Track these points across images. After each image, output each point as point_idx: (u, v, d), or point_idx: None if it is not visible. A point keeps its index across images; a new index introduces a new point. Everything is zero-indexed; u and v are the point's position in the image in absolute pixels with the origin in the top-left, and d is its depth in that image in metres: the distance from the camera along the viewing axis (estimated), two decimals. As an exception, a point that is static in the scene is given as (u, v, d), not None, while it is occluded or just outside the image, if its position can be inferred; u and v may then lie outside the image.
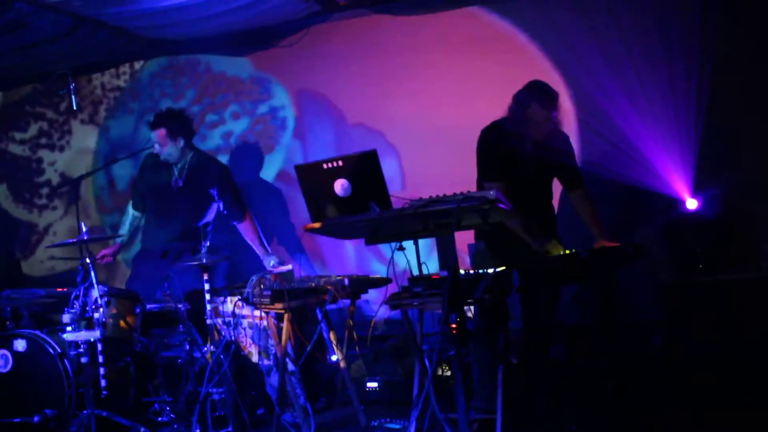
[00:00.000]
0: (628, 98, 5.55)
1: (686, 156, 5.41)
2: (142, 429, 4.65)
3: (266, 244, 5.74)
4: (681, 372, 4.86)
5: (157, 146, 5.72)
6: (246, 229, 5.67)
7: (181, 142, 5.67)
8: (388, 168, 6.35)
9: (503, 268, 4.02)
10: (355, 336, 4.84)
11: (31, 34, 6.02)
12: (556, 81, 5.41)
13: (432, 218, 3.64)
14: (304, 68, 6.81)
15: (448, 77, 6.28)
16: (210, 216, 4.95)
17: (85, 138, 7.77)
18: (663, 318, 5.29)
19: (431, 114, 6.31)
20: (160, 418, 5.01)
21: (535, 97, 4.38)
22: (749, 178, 5.39)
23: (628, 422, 3.99)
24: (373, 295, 5.21)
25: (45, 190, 7.96)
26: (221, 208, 4.91)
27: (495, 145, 4.49)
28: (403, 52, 6.44)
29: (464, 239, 4.66)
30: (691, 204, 5.29)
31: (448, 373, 5.08)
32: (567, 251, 4.05)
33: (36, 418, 4.57)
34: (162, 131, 5.64)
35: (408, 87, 6.42)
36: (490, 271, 3.95)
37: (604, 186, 5.45)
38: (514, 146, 4.42)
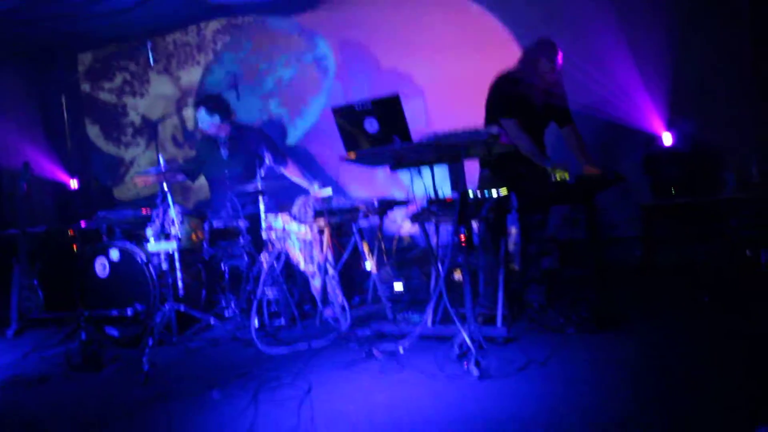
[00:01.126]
0: (610, 48, 5.52)
1: (661, 97, 5.39)
2: (212, 320, 4.84)
3: (308, 176, 5.85)
4: (656, 277, 4.99)
5: (200, 123, 5.91)
6: (291, 171, 5.79)
7: (217, 118, 5.80)
8: (415, 107, 6.45)
9: (504, 191, 4.13)
10: (383, 246, 5.01)
11: (114, 3, 6.08)
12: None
13: (445, 149, 3.78)
14: (343, 22, 6.79)
15: (467, 28, 6.26)
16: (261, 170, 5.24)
17: (160, 86, 7.86)
18: (641, 235, 5.38)
19: (451, 60, 6.30)
20: (226, 313, 5.20)
21: (544, 52, 4.41)
22: (715, 116, 5.37)
23: (608, 318, 4.07)
24: (398, 215, 5.33)
25: (129, 130, 8.09)
26: (270, 162, 5.13)
27: (509, 90, 4.51)
28: (428, 6, 6.41)
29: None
30: (667, 139, 5.30)
31: (461, 279, 5.21)
32: (558, 178, 4.10)
33: (129, 311, 4.73)
34: (201, 109, 5.82)
35: (432, 36, 6.39)
36: (494, 194, 4.05)
37: (592, 123, 5.45)
38: (524, 93, 4.46)
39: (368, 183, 6.66)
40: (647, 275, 5.12)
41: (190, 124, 7.67)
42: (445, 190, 4.13)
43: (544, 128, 4.66)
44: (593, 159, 4.45)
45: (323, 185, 5.31)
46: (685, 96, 5.41)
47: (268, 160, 5.30)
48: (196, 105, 5.92)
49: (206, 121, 5.81)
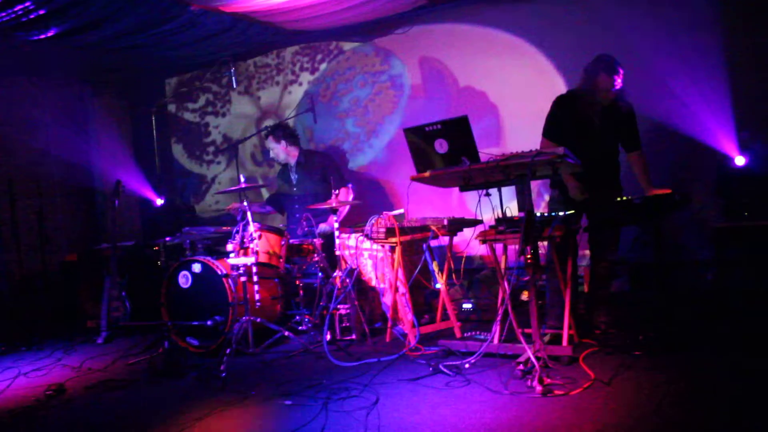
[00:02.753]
0: (673, 71, 5.47)
1: (731, 119, 5.29)
2: (287, 333, 4.99)
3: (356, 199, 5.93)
4: (728, 302, 4.88)
5: (270, 153, 6.25)
6: (343, 195, 5.83)
7: (284, 144, 6.12)
8: (490, 124, 6.51)
9: (572, 211, 4.16)
10: (452, 265, 5.08)
11: (200, 31, 6.37)
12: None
13: (512, 170, 3.85)
14: (418, 43, 6.89)
15: (539, 51, 6.29)
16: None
17: (241, 105, 8.11)
18: (713, 258, 5.27)
19: (523, 79, 6.36)
20: (300, 327, 5.39)
21: (602, 68, 4.33)
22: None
23: (676, 342, 4.03)
24: (467, 234, 5.38)
25: (211, 148, 8.38)
26: (332, 185, 5.35)
27: (563, 110, 4.51)
28: (500, 27, 6.46)
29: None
30: (740, 160, 5.20)
31: (528, 299, 5.22)
32: (624, 198, 4.10)
33: (209, 322, 4.96)
34: (269, 139, 6.17)
35: (506, 57, 6.45)
36: (561, 213, 4.08)
37: (664, 144, 5.43)
38: (584, 110, 4.44)
39: (440, 202, 6.74)
40: (719, 299, 5.01)
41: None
42: (513, 210, 4.20)
43: (608, 148, 4.55)
44: (658, 185, 4.39)
45: (395, 204, 5.43)
46: (755, 118, 5.31)
47: (332, 183, 5.52)
48: (265, 136, 6.26)
49: (275, 149, 6.15)
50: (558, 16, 6.12)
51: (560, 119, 4.53)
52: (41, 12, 5.30)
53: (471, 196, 6.34)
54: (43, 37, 5.80)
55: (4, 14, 5.25)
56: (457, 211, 6.54)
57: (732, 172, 5.22)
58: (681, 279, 5.45)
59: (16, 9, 5.18)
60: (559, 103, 4.58)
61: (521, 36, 6.38)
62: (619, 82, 4.34)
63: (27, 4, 5.13)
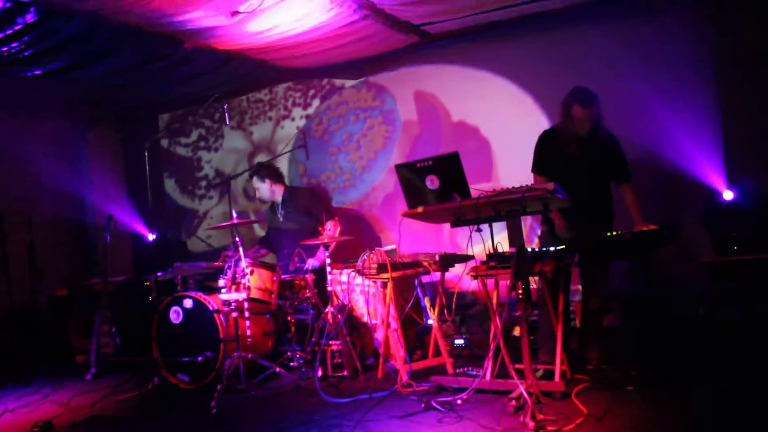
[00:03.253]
0: (662, 105, 5.53)
1: (720, 153, 5.35)
2: (279, 369, 4.97)
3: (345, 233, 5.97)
4: (719, 335, 4.89)
5: (256, 192, 6.28)
6: (330, 227, 5.87)
7: (268, 183, 6.14)
8: (483, 158, 6.56)
9: (563, 247, 4.18)
10: (444, 301, 5.07)
11: (193, 68, 6.41)
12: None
13: (503, 206, 3.88)
14: (410, 78, 6.97)
15: (531, 89, 6.38)
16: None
17: (233, 140, 8.13)
18: (704, 292, 5.29)
19: (515, 113, 6.42)
20: (291, 363, 5.34)
21: (575, 98, 4.40)
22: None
23: (669, 376, 4.03)
24: (459, 269, 5.39)
25: (203, 183, 8.37)
26: (322, 218, 5.37)
27: (547, 145, 4.58)
28: (491, 63, 6.55)
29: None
30: (728, 195, 5.24)
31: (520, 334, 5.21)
32: (614, 233, 4.13)
33: (200, 358, 4.93)
34: (254, 179, 6.19)
35: (498, 92, 6.53)
36: (552, 249, 4.10)
37: (653, 178, 5.47)
38: (562, 144, 4.48)
39: (432, 237, 6.75)
40: (710, 333, 5.02)
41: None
42: (504, 246, 4.22)
43: (593, 180, 4.56)
44: (647, 218, 4.41)
45: (387, 239, 5.44)
46: (743, 152, 5.37)
47: (321, 218, 5.54)
48: (249, 177, 6.26)
49: (260, 188, 6.16)
50: (543, 54, 6.23)
51: (544, 154, 4.60)
52: (35, 49, 5.34)
53: (462, 231, 6.38)
54: (37, 73, 5.84)
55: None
56: (448, 247, 6.58)
57: (720, 206, 5.27)
58: (672, 313, 5.45)
59: (10, 46, 5.22)
60: (543, 138, 4.66)
61: (507, 76, 6.49)
62: (593, 113, 4.37)
63: (16, 43, 5.16)
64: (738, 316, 4.89)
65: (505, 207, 3.87)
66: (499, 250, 4.20)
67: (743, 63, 5.44)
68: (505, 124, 6.47)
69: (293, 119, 7.74)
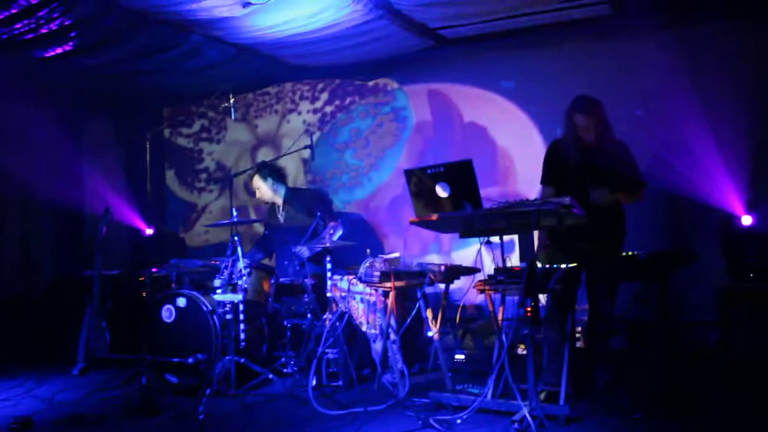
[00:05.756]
0: (691, 128, 5.40)
1: (741, 178, 5.22)
2: (271, 375, 4.81)
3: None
4: (732, 365, 4.73)
5: (256, 193, 6.07)
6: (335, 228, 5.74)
7: (270, 181, 5.94)
8: (496, 162, 6.45)
9: (574, 264, 4.02)
10: (447, 314, 4.92)
11: (202, 60, 6.28)
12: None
13: (515, 218, 3.72)
14: (423, 77, 6.84)
15: (543, 93, 6.24)
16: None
17: (237, 133, 7.93)
18: (717, 320, 5.12)
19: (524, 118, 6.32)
20: (285, 369, 5.18)
21: (576, 107, 4.26)
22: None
23: (678, 404, 3.87)
24: (464, 283, 5.23)
25: (203, 176, 8.17)
26: (318, 219, 5.20)
27: (553, 155, 4.47)
28: (503, 68, 6.48)
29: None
30: (746, 220, 5.08)
31: (525, 352, 5.06)
32: (628, 253, 3.97)
33: (190, 360, 4.75)
34: (255, 178, 5.97)
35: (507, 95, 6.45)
36: (563, 266, 3.95)
37: (667, 198, 5.33)
38: (566, 154, 4.35)
39: (437, 247, 6.60)
40: (722, 362, 4.85)
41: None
42: (514, 260, 4.06)
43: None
44: (655, 239, 4.26)
45: (392, 245, 5.29)
46: (765, 175, 5.23)
47: (323, 220, 5.36)
48: (250, 177, 6.06)
49: (261, 188, 5.96)
50: (560, 63, 6.15)
51: (551, 165, 4.48)
52: (37, 34, 5.20)
53: (467, 243, 6.26)
54: (47, 55, 5.69)
55: (5, 30, 5.15)
56: (450, 258, 6.43)
57: (738, 231, 5.10)
58: (682, 339, 5.28)
59: (11, 28, 5.09)
60: (550, 148, 4.54)
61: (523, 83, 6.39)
62: (595, 121, 4.21)
63: (19, 24, 5.03)
64: (752, 347, 4.71)
65: (518, 220, 3.70)
66: (508, 264, 4.04)
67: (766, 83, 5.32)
68: (519, 131, 6.35)
69: (300, 113, 7.56)
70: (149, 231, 7.66)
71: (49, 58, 5.78)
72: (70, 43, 5.54)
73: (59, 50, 5.65)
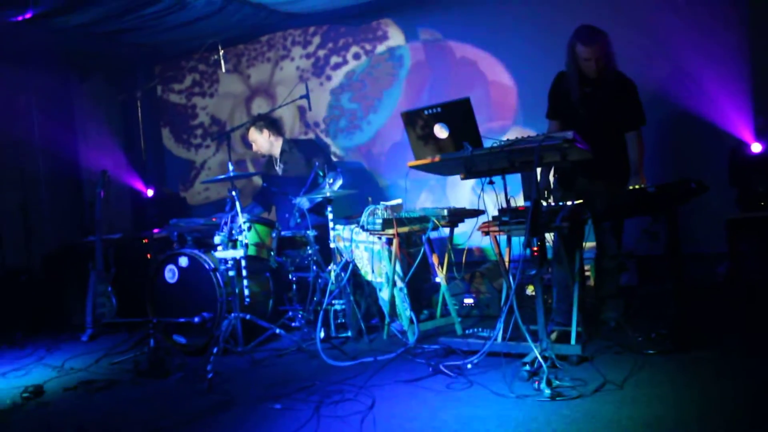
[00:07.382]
0: (688, 48, 5.22)
1: (747, 102, 5.05)
2: (278, 330, 4.74)
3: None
4: (742, 296, 4.65)
5: (253, 145, 5.94)
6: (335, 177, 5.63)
7: (267, 133, 5.82)
8: (481, 92, 6.29)
9: (580, 201, 3.90)
10: (453, 258, 4.84)
11: (189, 13, 6.10)
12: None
13: (517, 156, 3.60)
14: (418, 13, 6.63)
15: (532, 25, 6.05)
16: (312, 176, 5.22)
17: (230, 84, 7.77)
18: (726, 251, 5.02)
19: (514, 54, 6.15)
20: (292, 323, 5.16)
21: (578, 36, 4.05)
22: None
23: (690, 338, 3.78)
24: (469, 225, 5.14)
25: (199, 131, 8.03)
26: (317, 169, 5.07)
27: (557, 88, 4.31)
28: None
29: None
30: (756, 147, 4.93)
31: (533, 293, 4.99)
32: (637, 186, 3.85)
33: (196, 319, 4.69)
34: (252, 130, 5.85)
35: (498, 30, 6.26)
36: (569, 203, 3.83)
37: (672, 127, 5.17)
38: (569, 87, 4.18)
39: (440, 190, 6.47)
40: (732, 293, 4.78)
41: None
42: (518, 200, 3.95)
43: (601, 125, 4.17)
44: (665, 170, 4.14)
45: (394, 192, 5.18)
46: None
47: (315, 168, 5.23)
48: (246, 129, 5.94)
49: (258, 140, 5.85)
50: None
51: (556, 98, 4.33)
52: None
53: (471, 186, 6.15)
54: (20, 18, 5.51)
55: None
56: (457, 202, 6.31)
57: (747, 159, 4.96)
58: (691, 273, 5.19)
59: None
60: (555, 80, 4.36)
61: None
62: (598, 51, 4.02)
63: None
64: (762, 277, 4.63)
65: (520, 158, 3.58)
66: (512, 204, 3.92)
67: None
68: (522, 63, 6.17)
69: (293, 59, 7.38)
70: (150, 192, 7.57)
71: (31, 19, 5.59)
72: (51, 2, 5.34)
73: (36, 11, 5.45)
